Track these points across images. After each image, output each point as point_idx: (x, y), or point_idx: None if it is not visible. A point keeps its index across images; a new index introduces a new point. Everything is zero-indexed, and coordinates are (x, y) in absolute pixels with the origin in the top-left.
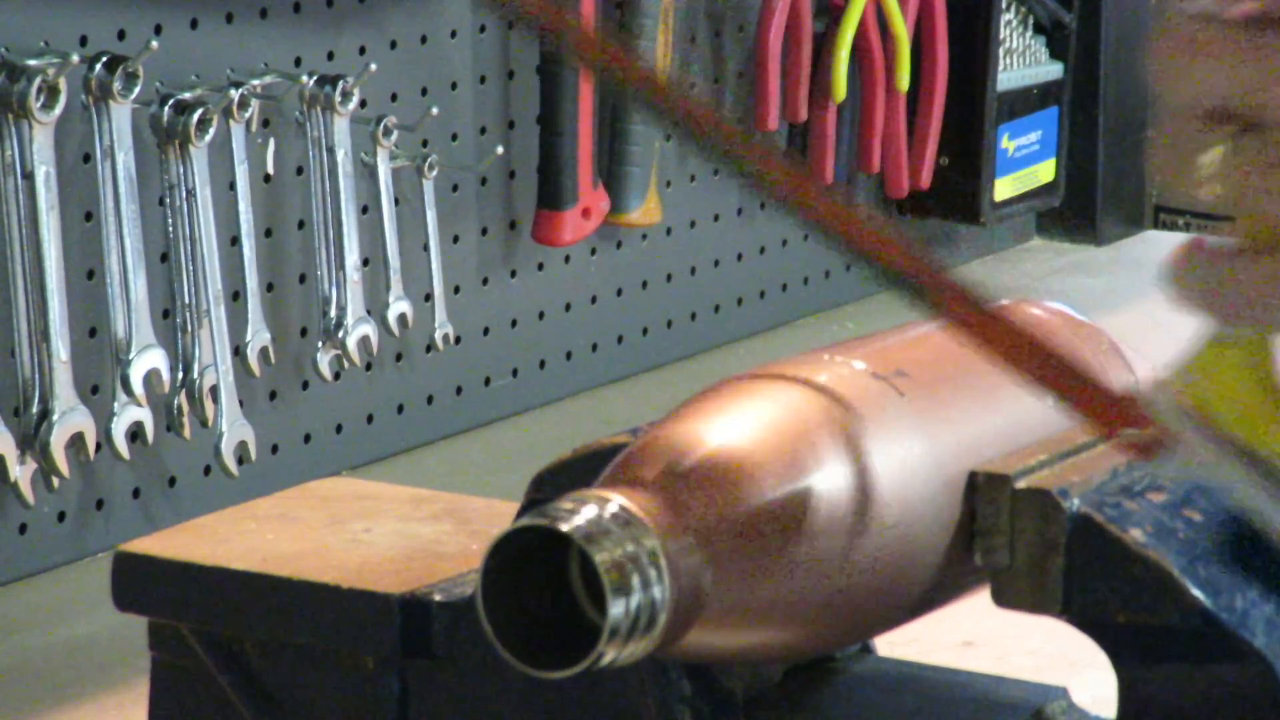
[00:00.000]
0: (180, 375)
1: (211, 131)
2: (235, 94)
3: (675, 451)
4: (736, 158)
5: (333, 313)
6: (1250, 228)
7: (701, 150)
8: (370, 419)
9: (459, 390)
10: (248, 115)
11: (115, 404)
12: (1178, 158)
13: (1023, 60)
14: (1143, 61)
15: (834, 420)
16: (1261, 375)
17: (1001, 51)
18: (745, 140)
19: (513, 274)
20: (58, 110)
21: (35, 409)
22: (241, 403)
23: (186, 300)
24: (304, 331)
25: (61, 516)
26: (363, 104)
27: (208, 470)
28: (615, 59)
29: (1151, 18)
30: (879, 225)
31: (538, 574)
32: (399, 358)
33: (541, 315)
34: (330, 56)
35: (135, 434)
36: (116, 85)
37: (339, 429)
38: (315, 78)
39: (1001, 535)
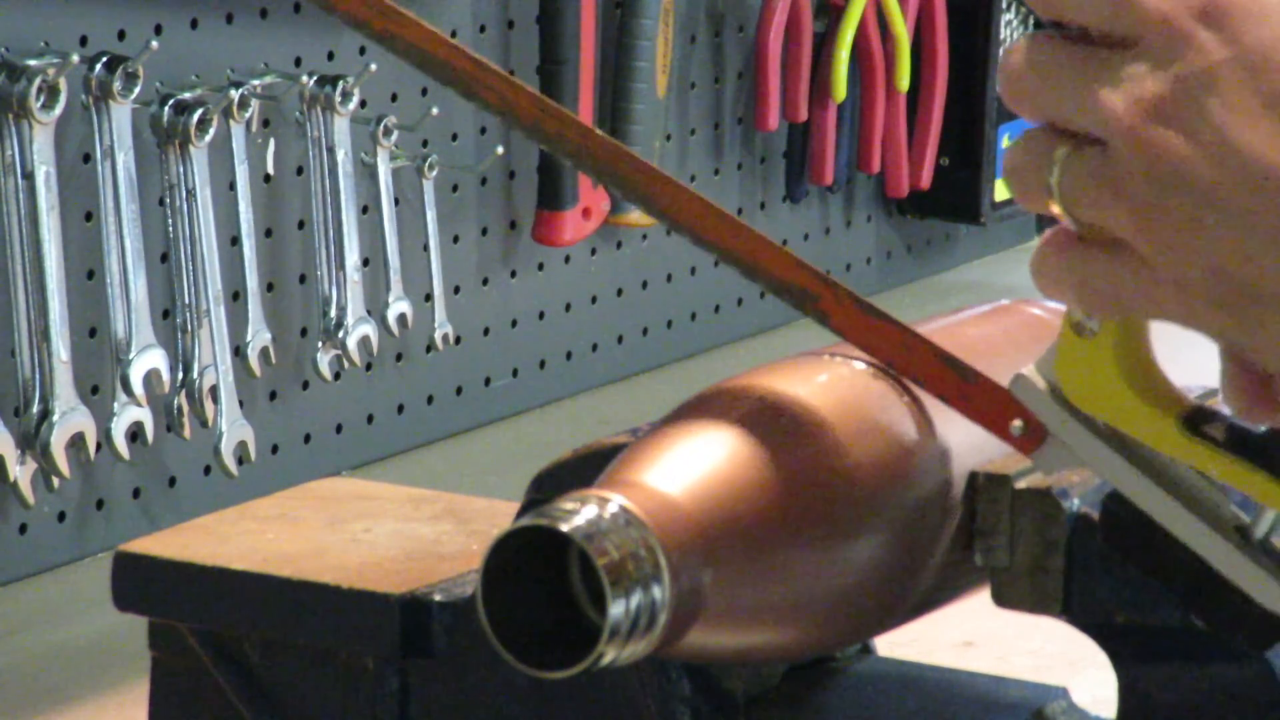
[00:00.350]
0: (180, 375)
1: (211, 131)
2: (235, 94)
3: (676, 451)
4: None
5: (333, 313)
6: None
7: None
8: (370, 419)
9: (459, 390)
10: (248, 115)
11: (115, 404)
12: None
13: None
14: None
15: (834, 421)
16: (1126, 363)
17: (1001, 51)
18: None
19: (513, 274)
20: (58, 110)
21: (35, 409)
22: (241, 403)
23: (186, 300)
24: (304, 331)
25: (61, 516)
26: (363, 104)
27: (208, 470)
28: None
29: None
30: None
31: (538, 574)
32: (399, 358)
33: (541, 315)
34: (330, 56)
35: (135, 434)
36: (116, 85)
37: (339, 429)
38: (315, 78)
39: (1001, 535)
